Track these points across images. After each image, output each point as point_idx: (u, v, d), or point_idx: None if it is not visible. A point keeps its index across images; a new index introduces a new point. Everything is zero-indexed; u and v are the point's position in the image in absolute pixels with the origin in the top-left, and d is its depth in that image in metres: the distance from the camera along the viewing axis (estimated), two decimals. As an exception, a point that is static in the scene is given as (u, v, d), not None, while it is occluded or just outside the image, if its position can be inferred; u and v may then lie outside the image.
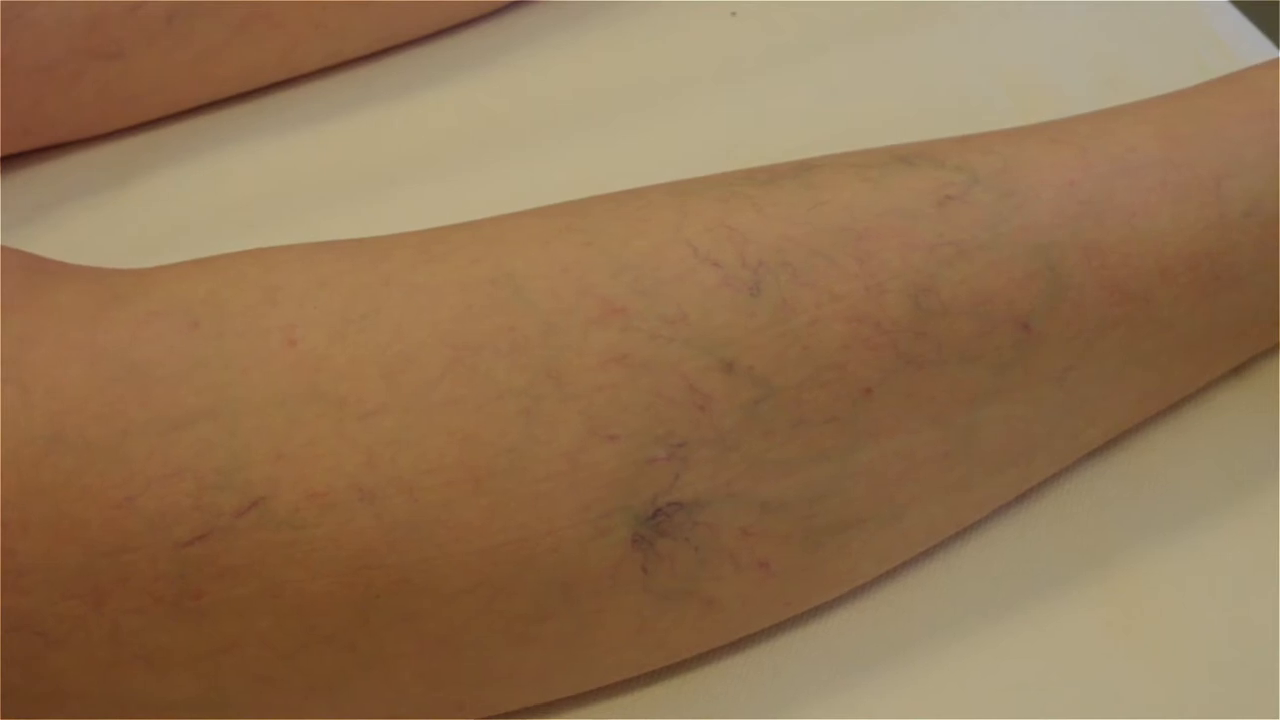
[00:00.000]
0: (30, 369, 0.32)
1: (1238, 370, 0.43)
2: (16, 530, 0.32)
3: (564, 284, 0.34)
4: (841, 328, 0.35)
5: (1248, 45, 0.53)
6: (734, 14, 0.54)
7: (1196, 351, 0.40)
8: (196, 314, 0.33)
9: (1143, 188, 0.37)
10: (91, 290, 0.34)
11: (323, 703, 0.35)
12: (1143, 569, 0.39)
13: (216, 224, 0.47)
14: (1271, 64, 0.41)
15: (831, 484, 0.35)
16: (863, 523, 0.36)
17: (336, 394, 0.33)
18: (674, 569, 0.34)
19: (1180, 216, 0.37)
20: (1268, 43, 0.53)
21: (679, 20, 0.53)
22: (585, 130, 0.50)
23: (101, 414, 0.32)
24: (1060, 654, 0.38)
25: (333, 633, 0.33)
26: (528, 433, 0.33)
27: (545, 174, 0.48)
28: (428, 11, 0.54)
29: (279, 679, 0.34)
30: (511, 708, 0.36)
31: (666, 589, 0.35)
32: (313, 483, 0.32)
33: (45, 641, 0.32)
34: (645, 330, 0.34)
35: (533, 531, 0.33)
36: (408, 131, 0.50)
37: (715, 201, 0.36)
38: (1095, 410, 0.39)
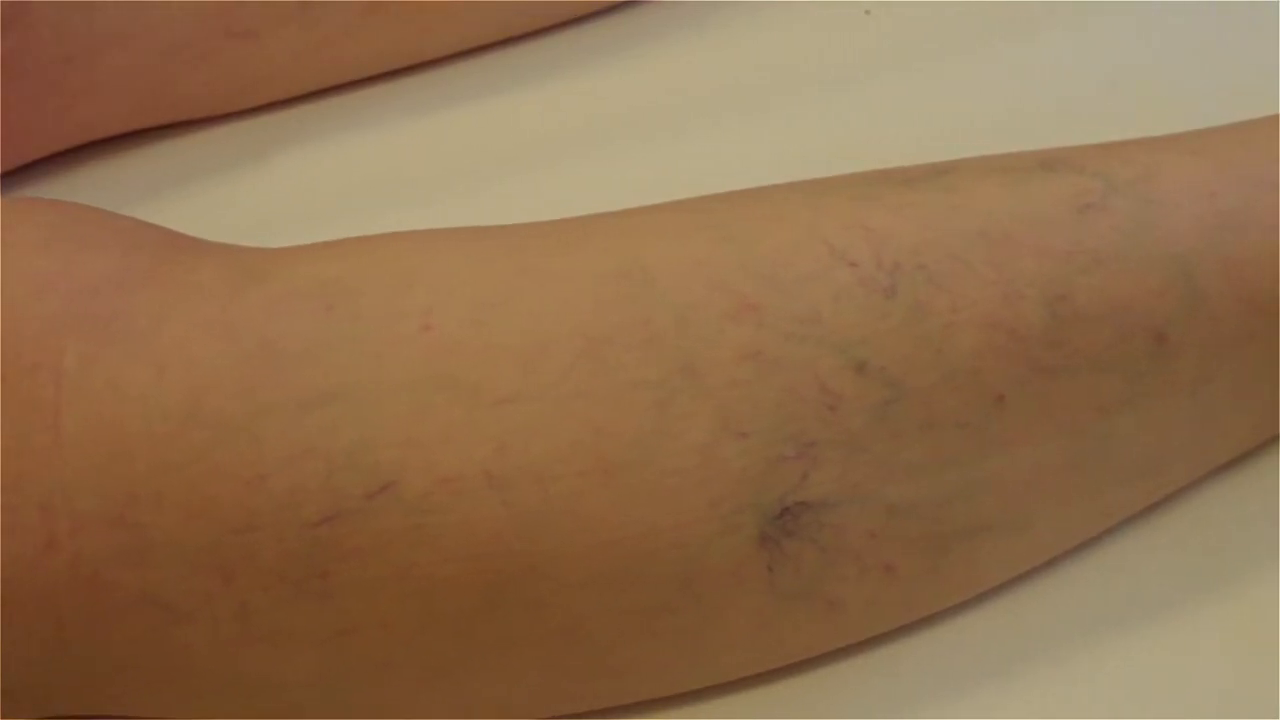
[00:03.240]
0: (165, 345, 0.33)
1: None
2: (149, 505, 0.32)
3: (698, 278, 0.34)
4: (975, 333, 0.34)
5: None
6: (868, 12, 0.54)
7: None
8: (331, 296, 0.33)
9: None
10: (227, 267, 0.34)
11: (440, 689, 0.35)
12: (1272, 583, 0.39)
13: (346, 206, 0.47)
14: None
15: (960, 489, 0.35)
16: (990, 529, 0.36)
17: (469, 380, 0.33)
18: (799, 569, 0.34)
19: None
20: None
21: (808, 16, 0.53)
22: (710, 127, 0.50)
23: (235, 392, 0.32)
24: (1184, 668, 0.37)
25: (455, 618, 0.33)
26: (659, 426, 0.33)
27: (669, 169, 0.47)
28: (555, 4, 0.54)
29: (399, 663, 0.34)
30: (625, 700, 0.36)
31: (790, 589, 0.34)
32: (443, 468, 0.32)
33: (172, 616, 0.33)
34: (779, 328, 0.34)
35: (660, 525, 0.33)
36: (535, 120, 0.50)
37: (852, 201, 0.35)
38: (1227, 423, 0.39)
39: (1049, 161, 0.37)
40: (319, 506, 0.32)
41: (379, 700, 0.35)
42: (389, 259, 0.34)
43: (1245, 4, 0.54)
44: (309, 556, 0.32)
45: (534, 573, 0.33)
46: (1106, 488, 0.37)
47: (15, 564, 0.32)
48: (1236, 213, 0.36)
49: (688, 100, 0.51)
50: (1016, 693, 0.37)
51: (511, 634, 0.34)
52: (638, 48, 0.52)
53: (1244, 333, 0.37)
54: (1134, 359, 0.35)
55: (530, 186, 0.48)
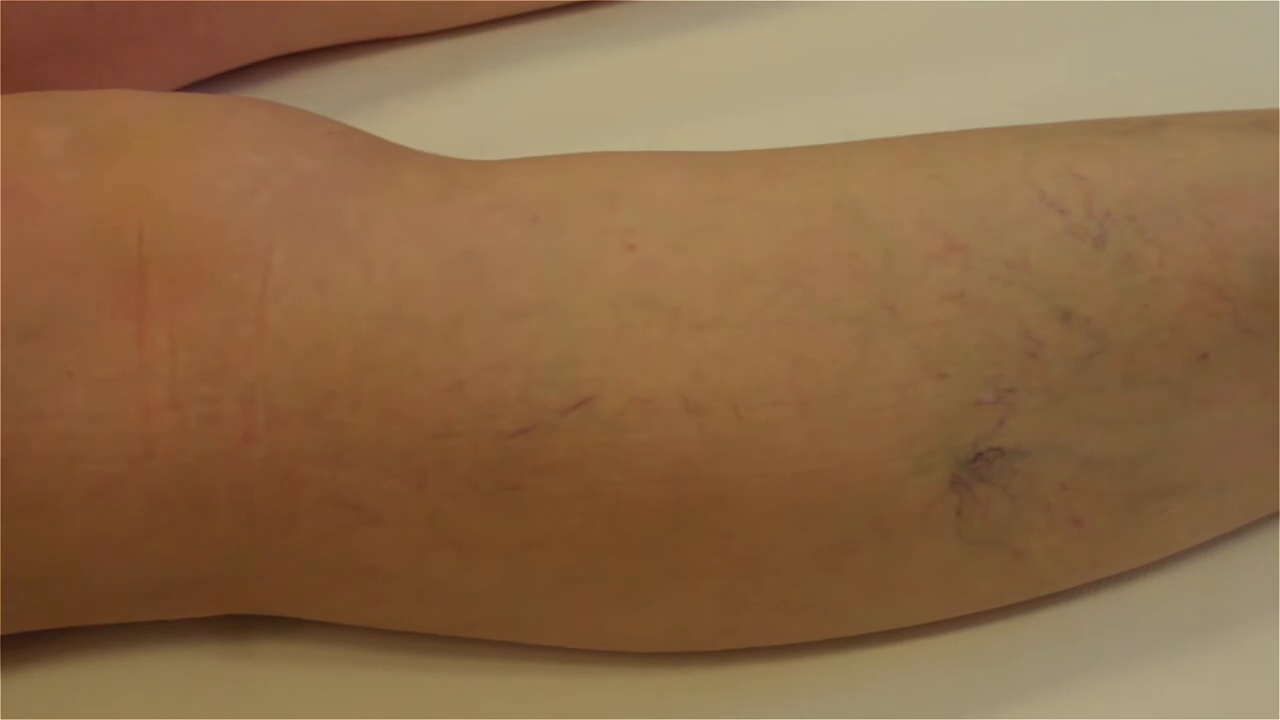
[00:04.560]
0: (372, 247, 0.33)
1: None
2: (347, 404, 0.32)
3: (907, 215, 0.33)
4: (1183, 289, 0.34)
5: None
6: None
7: None
8: (536, 209, 0.33)
9: None
10: (433, 176, 0.34)
11: (619, 611, 0.35)
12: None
13: (543, 128, 0.47)
14: None
15: (1155, 447, 0.34)
16: (1182, 490, 0.35)
17: (670, 303, 0.32)
18: (987, 516, 0.34)
19: None
20: None
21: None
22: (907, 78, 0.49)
23: (438, 298, 0.32)
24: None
25: (642, 540, 0.33)
26: (859, 360, 0.32)
27: (858, 116, 0.47)
28: None
29: (582, 580, 0.34)
30: (800, 639, 0.36)
31: (977, 535, 0.34)
32: (639, 388, 0.32)
33: (362, 517, 0.33)
34: (985, 270, 0.33)
35: (852, 460, 0.33)
36: (741, 57, 0.49)
37: (1065, 149, 0.35)
38: None
39: (1265, 121, 0.36)
40: (515, 418, 0.32)
41: (557, 617, 0.35)
42: (594, 177, 0.34)
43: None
44: (502, 467, 0.32)
45: (722, 500, 0.33)
46: None
47: (212, 454, 0.32)
48: None
49: (875, 47, 0.50)
50: (1204, 665, 0.37)
51: (694, 561, 0.34)
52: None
53: None
54: None
55: (731, 124, 0.47)
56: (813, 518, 0.33)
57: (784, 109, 0.48)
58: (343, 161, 0.34)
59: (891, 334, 0.33)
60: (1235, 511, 0.37)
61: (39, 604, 0.35)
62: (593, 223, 0.33)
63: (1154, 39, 0.52)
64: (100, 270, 0.32)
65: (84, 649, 0.37)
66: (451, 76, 0.49)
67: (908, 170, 0.34)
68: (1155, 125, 0.36)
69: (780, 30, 0.51)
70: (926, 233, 0.33)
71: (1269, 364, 0.35)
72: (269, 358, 0.32)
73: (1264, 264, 0.34)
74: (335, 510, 0.33)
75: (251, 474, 0.32)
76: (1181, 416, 0.34)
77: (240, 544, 0.33)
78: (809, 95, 0.49)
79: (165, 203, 0.33)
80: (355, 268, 0.32)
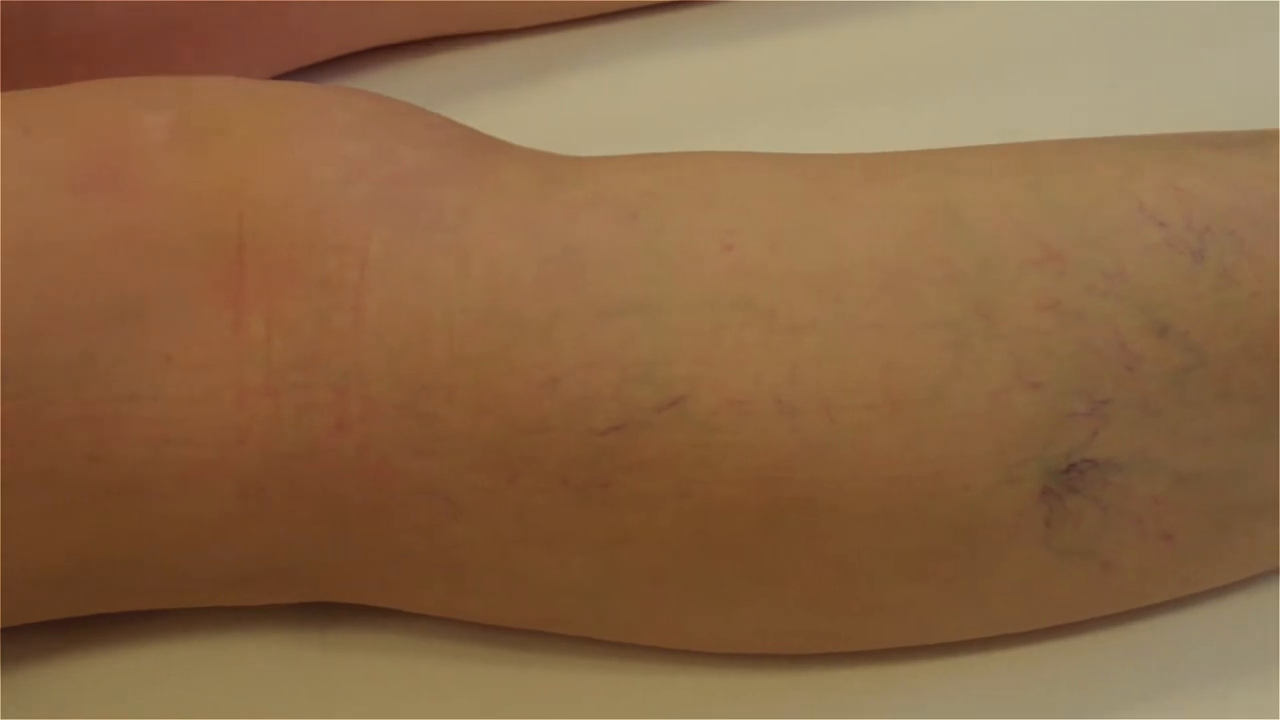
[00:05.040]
0: (470, 239, 0.33)
1: None
2: (441, 397, 0.32)
3: (1005, 222, 0.33)
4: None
5: None
6: None
7: None
8: (635, 206, 0.33)
9: None
10: (532, 171, 0.34)
11: (705, 611, 0.35)
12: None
13: (624, 129, 0.47)
14: None
15: (1249, 464, 0.34)
16: (1272, 508, 0.35)
17: (766, 304, 0.32)
18: (1078, 528, 0.34)
19: None
20: None
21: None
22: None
23: (535, 293, 0.32)
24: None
25: (731, 540, 0.33)
26: (953, 367, 0.32)
27: (951, 121, 0.47)
28: None
29: (670, 579, 0.34)
30: (885, 644, 0.36)
31: (1066, 547, 0.34)
32: (733, 389, 0.32)
33: (452, 510, 0.33)
34: (1081, 280, 0.33)
35: (944, 467, 0.32)
36: (828, 60, 0.49)
37: (1165, 161, 0.35)
38: None
39: None
40: (608, 415, 0.32)
41: (641, 615, 0.35)
42: (693, 176, 0.34)
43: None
44: (593, 463, 0.32)
45: (813, 503, 0.32)
46: None
47: (305, 443, 0.32)
48: None
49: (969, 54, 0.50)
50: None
51: (782, 563, 0.33)
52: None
53: None
54: None
55: (821, 125, 0.47)
56: (902, 523, 0.33)
57: (874, 112, 0.48)
58: (443, 153, 0.34)
59: (986, 341, 0.32)
60: None
61: (127, 586, 0.35)
62: (691, 221, 0.33)
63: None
64: (199, 256, 0.32)
65: (166, 631, 0.37)
66: (536, 74, 0.49)
67: (1006, 177, 0.34)
68: (1255, 139, 0.36)
69: (867, 33, 0.51)
70: (1023, 240, 0.33)
71: None
72: (364, 348, 0.32)
73: None
74: (425, 502, 0.33)
75: (343, 463, 0.32)
76: (1274, 434, 0.34)
77: (329, 533, 0.33)
78: (898, 99, 0.49)
79: (264, 190, 0.33)
80: (453, 261, 0.32)
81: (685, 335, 0.32)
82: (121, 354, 0.32)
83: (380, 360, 0.32)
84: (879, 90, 0.49)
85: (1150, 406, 0.33)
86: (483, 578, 0.34)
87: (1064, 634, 0.37)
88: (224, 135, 0.33)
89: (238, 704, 0.36)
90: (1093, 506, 0.33)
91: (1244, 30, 0.51)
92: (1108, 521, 0.34)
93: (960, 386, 0.32)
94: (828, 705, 0.36)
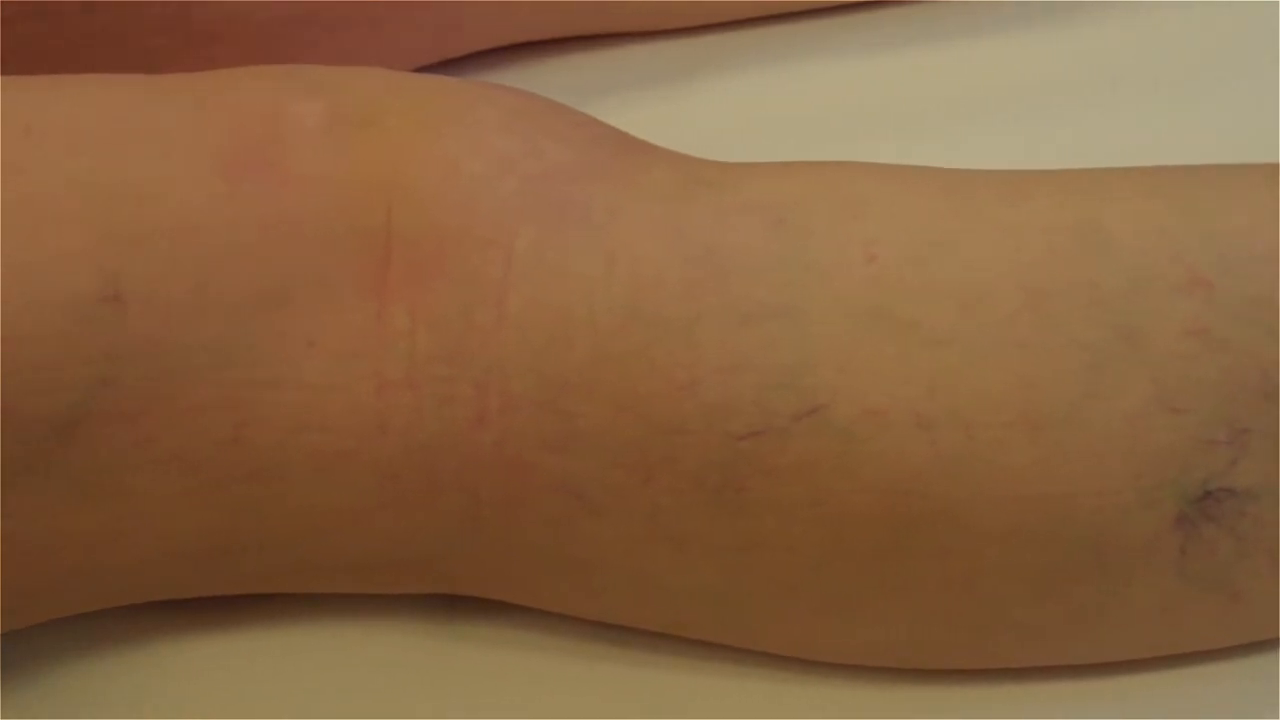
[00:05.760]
0: (616, 239, 0.33)
1: None
2: (581, 395, 0.32)
3: (1152, 246, 0.33)
4: None
5: None
6: None
7: None
8: (782, 213, 0.33)
9: None
10: (678, 173, 0.34)
11: (830, 621, 0.35)
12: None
13: (771, 135, 0.47)
14: None
15: None
16: None
17: (908, 317, 0.32)
18: (1212, 556, 0.33)
19: None
20: None
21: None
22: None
23: (678, 295, 0.32)
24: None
25: (862, 551, 0.33)
26: (1093, 388, 0.32)
27: (1108, 141, 0.46)
28: None
29: (797, 587, 0.34)
30: (1009, 664, 0.36)
31: (1199, 575, 0.34)
32: (872, 400, 0.32)
33: (586, 507, 0.33)
34: (1229, 308, 0.33)
35: (1080, 488, 0.32)
36: (985, 73, 0.49)
37: None
38: None
39: None
40: (746, 420, 0.32)
41: (766, 621, 0.35)
42: (840, 185, 0.34)
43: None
44: (729, 468, 0.32)
45: (946, 517, 0.32)
46: None
47: (443, 435, 0.33)
48: None
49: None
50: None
51: (912, 576, 0.33)
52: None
53: None
54: None
55: (969, 140, 0.47)
56: (1034, 542, 0.33)
57: (1031, 128, 0.48)
58: (591, 152, 0.34)
59: (1128, 364, 0.32)
60: None
61: (259, 569, 0.35)
62: (837, 230, 0.33)
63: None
64: (347, 245, 0.33)
65: (294, 617, 0.37)
66: (673, 77, 0.49)
67: (1154, 200, 0.34)
68: None
69: (1033, 47, 0.50)
70: (1171, 265, 0.33)
71: None
72: (507, 344, 0.32)
73: None
74: (560, 498, 0.33)
75: (481, 457, 0.33)
76: None
77: (463, 525, 0.34)
78: (1061, 115, 0.48)
79: (414, 182, 0.33)
80: (598, 260, 0.33)
81: (826, 343, 0.32)
82: (265, 339, 0.32)
83: (522, 356, 0.32)
84: (1027, 103, 0.49)
85: None
86: (610, 577, 0.34)
87: (1186, 661, 0.36)
88: (375, 126, 0.34)
89: (359, 692, 0.36)
90: (1228, 536, 0.33)
91: None
92: (1243, 551, 0.33)
93: (1099, 408, 0.32)
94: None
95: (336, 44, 0.45)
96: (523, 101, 0.35)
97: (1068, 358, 0.32)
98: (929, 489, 0.32)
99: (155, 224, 0.32)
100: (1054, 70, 0.49)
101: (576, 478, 0.33)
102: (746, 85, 0.49)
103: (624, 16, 0.49)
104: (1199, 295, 0.33)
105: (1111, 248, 0.33)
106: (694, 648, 0.36)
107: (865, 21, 0.50)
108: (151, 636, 0.37)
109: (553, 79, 0.48)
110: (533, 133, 0.34)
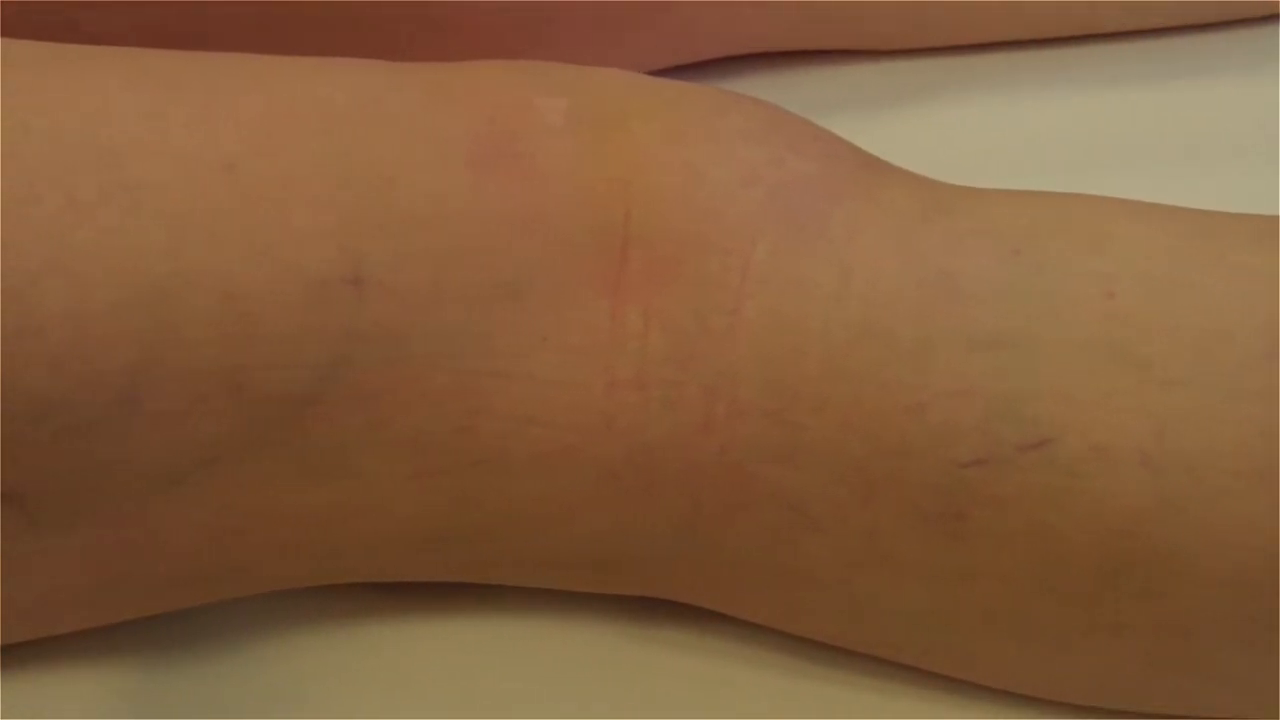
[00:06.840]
0: (853, 255, 0.33)
1: None
2: (810, 408, 0.32)
3: None
4: None
5: None
6: None
7: None
8: (1019, 242, 0.33)
9: None
10: (916, 194, 0.34)
11: (1038, 655, 0.34)
12: None
13: (1002, 162, 0.47)
14: None
15: None
16: None
17: (1142, 355, 0.32)
18: None
19: None
20: None
21: None
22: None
23: (910, 316, 0.32)
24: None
25: (1073, 588, 0.33)
26: None
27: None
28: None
29: (1006, 618, 0.34)
30: (1222, 713, 0.35)
31: None
32: (1099, 436, 0.32)
33: (804, 522, 0.33)
34: None
35: None
36: (1229, 112, 0.48)
37: None
38: None
39: None
40: (971, 447, 0.32)
41: (971, 651, 0.35)
42: (1081, 218, 0.34)
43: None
44: (950, 494, 0.32)
45: (1165, 560, 0.32)
46: None
47: (668, 438, 0.33)
48: None
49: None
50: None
51: (1122, 616, 0.33)
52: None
53: None
54: None
55: (1204, 179, 0.47)
56: (1254, 591, 0.32)
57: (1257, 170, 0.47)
58: (831, 166, 0.34)
59: None
60: None
61: (468, 559, 0.35)
62: (1074, 264, 0.33)
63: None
64: (584, 242, 0.33)
65: (500, 611, 0.38)
66: (903, 98, 0.49)
67: None
68: None
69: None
70: None
71: None
72: (739, 351, 0.32)
73: None
74: (779, 510, 0.33)
75: (704, 462, 0.33)
76: None
77: (678, 530, 0.34)
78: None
79: (657, 186, 0.33)
80: (835, 274, 0.33)
81: (1056, 376, 0.32)
82: (500, 331, 0.33)
83: (754, 366, 0.32)
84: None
85: None
86: (820, 593, 0.34)
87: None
88: (619, 127, 0.34)
89: (553, 689, 0.37)
90: None
91: None
92: None
93: None
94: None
95: (572, 43, 0.45)
96: (770, 113, 0.35)
97: None
98: (1147, 530, 0.32)
99: (400, 209, 0.32)
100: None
101: (798, 491, 0.33)
102: (978, 110, 0.49)
103: (861, 31, 0.49)
104: None
105: None
106: (893, 671, 0.36)
107: (1105, 54, 0.50)
108: (357, 618, 0.37)
109: (785, 93, 0.48)
110: (779, 144, 0.34)
